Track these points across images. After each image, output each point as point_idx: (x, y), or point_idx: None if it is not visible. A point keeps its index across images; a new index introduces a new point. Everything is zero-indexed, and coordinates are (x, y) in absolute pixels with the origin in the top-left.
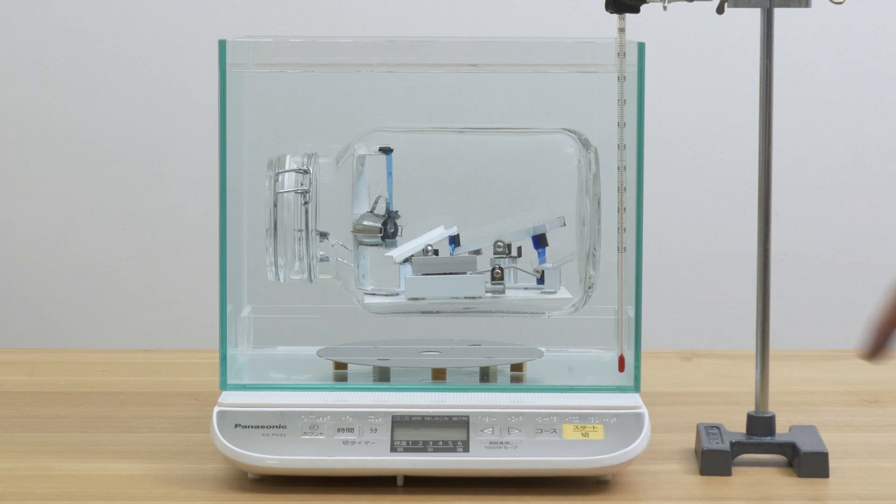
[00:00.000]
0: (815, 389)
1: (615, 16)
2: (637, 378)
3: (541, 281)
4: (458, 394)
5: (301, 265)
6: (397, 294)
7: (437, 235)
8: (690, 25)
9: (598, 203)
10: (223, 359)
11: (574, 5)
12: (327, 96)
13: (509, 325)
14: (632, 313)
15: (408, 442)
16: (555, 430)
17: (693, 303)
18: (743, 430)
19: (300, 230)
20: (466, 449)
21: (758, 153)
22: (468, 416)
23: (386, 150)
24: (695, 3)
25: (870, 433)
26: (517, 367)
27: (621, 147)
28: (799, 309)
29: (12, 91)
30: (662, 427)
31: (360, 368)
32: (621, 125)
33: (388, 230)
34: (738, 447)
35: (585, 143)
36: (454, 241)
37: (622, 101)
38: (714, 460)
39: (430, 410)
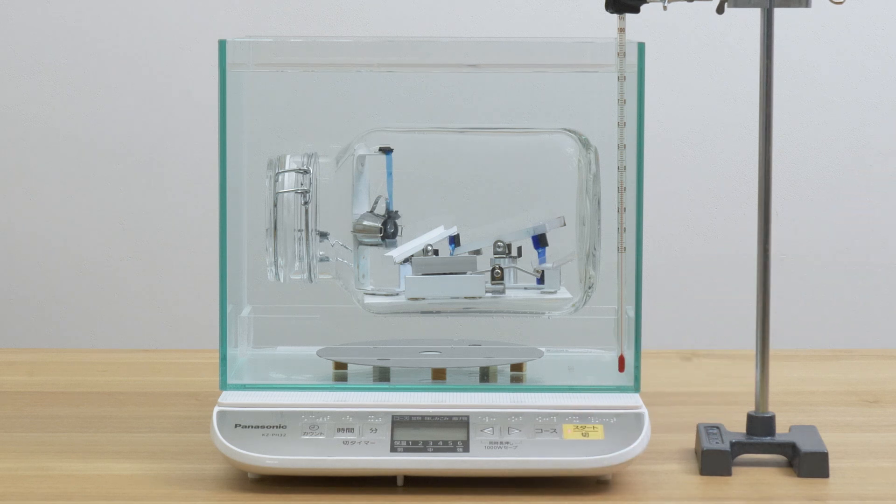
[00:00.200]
0: (815, 389)
1: (615, 16)
2: (637, 378)
3: (541, 281)
4: (458, 394)
5: (301, 265)
6: (397, 294)
7: (437, 235)
8: (690, 25)
9: (598, 203)
10: (223, 359)
11: (574, 5)
12: (327, 96)
13: (509, 325)
14: (632, 313)
15: (408, 442)
16: (555, 430)
17: (693, 303)
18: (743, 430)
19: (300, 230)
20: (466, 449)
21: (758, 153)
22: (468, 416)
23: (386, 150)
24: (695, 3)
25: (870, 433)
26: (517, 367)
27: (621, 147)
28: (799, 309)
29: (12, 91)
30: (662, 427)
31: (360, 368)
32: (621, 125)
33: (388, 230)
34: (738, 447)
35: (585, 143)
36: (454, 241)
37: (622, 101)
38: (714, 460)
39: (430, 410)
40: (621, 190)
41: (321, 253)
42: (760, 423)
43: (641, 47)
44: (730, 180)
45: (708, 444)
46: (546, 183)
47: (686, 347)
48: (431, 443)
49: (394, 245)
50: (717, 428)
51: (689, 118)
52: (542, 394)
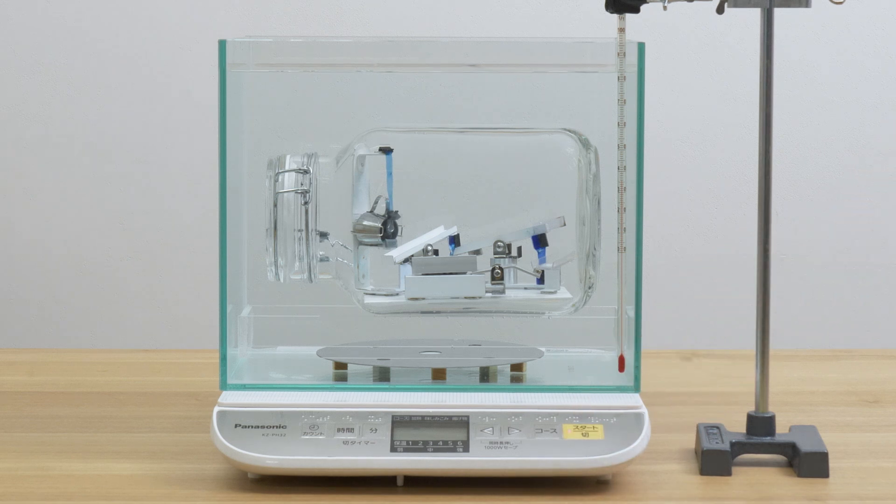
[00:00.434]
0: (815, 389)
1: (615, 16)
2: (637, 378)
3: (541, 281)
4: (458, 394)
5: (301, 265)
6: (397, 294)
7: (437, 235)
8: (690, 25)
9: (598, 203)
10: (223, 359)
11: (574, 5)
12: (327, 96)
13: (509, 325)
14: (632, 313)
15: (408, 442)
16: (555, 430)
17: (693, 303)
18: (743, 430)
19: (300, 230)
20: (466, 449)
21: (758, 153)
22: (468, 416)
23: (386, 150)
24: (695, 3)
25: (870, 433)
26: (517, 367)
27: (621, 147)
28: (799, 309)
29: (12, 91)
30: (662, 427)
31: (360, 368)
32: (621, 125)
33: (388, 230)
34: (738, 447)
35: (585, 143)
36: (454, 241)
37: (622, 101)
38: (714, 460)
39: (430, 410)
40: (621, 190)
41: (321, 253)
42: (760, 423)
43: (641, 47)
44: (730, 180)
45: (708, 444)
46: (546, 183)
47: (686, 347)
48: (431, 443)
49: (394, 245)
50: (717, 428)
51: (689, 118)
52: (542, 394)
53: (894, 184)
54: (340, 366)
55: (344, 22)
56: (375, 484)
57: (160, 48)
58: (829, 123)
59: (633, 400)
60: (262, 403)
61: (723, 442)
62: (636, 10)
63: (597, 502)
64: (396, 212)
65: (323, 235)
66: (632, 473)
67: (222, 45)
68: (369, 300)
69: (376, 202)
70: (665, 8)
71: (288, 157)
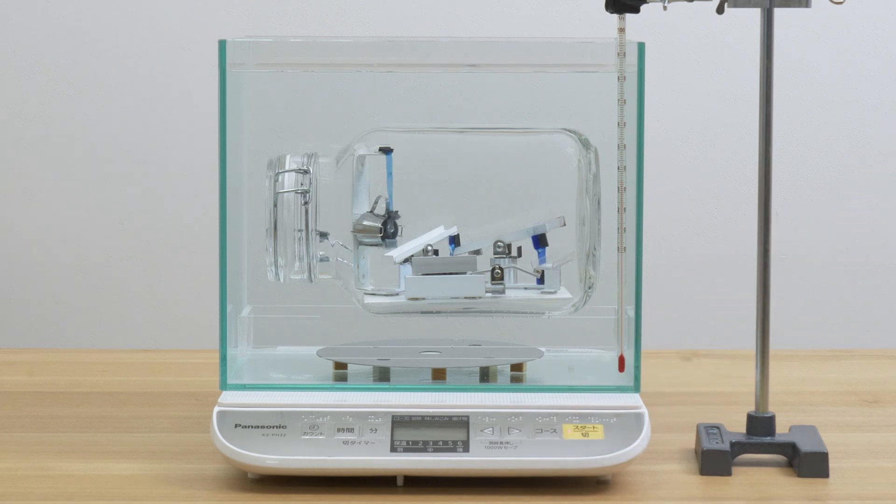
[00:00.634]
0: (815, 389)
1: (615, 16)
2: (637, 378)
3: (541, 281)
4: (458, 394)
5: (301, 265)
6: (397, 294)
7: (437, 235)
8: (690, 25)
9: (598, 203)
10: (223, 359)
11: (574, 5)
12: (327, 96)
13: (509, 325)
14: (632, 313)
15: (408, 442)
16: (555, 430)
17: (693, 303)
18: (743, 430)
19: (300, 230)
20: (466, 449)
21: (758, 153)
22: (468, 416)
23: (386, 150)
24: (695, 3)
25: (870, 433)
26: (517, 367)
27: (621, 147)
28: (799, 309)
29: (12, 91)
30: (662, 427)
31: (360, 368)
32: (621, 125)
33: (388, 230)
34: (738, 447)
35: (585, 143)
36: (454, 241)
37: (622, 101)
38: (714, 460)
39: (430, 410)
40: (621, 190)
41: (321, 253)
42: (760, 423)
43: (641, 47)
44: (730, 180)
45: (708, 444)
46: (546, 183)
47: (686, 347)
48: (431, 443)
49: (394, 245)
50: (717, 428)
51: (689, 118)
52: (542, 394)
53: (894, 184)
54: (340, 366)
55: (344, 22)
56: (375, 484)
57: (160, 48)
58: (829, 123)
59: (633, 400)
60: (262, 403)
61: (723, 442)
62: (636, 10)
63: (597, 502)
64: (396, 212)
65: (323, 235)
66: (632, 473)
67: (222, 45)
68: (369, 300)
69: (376, 202)
70: (665, 8)
71: (288, 157)
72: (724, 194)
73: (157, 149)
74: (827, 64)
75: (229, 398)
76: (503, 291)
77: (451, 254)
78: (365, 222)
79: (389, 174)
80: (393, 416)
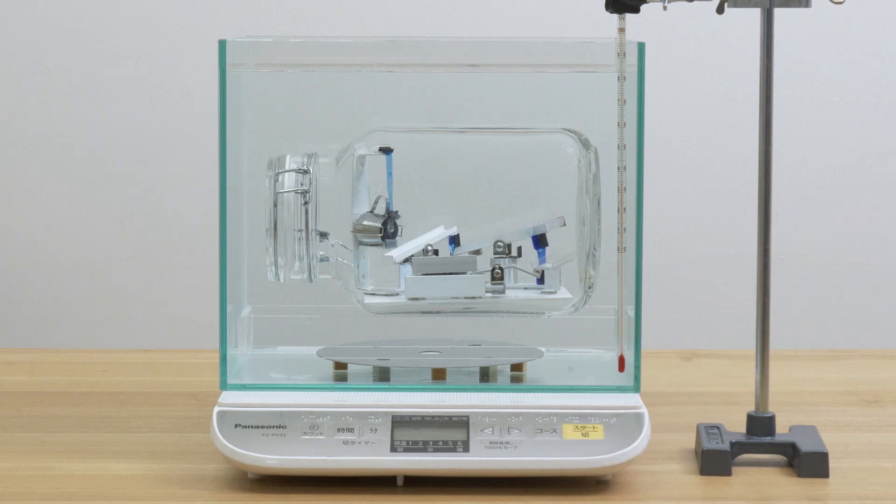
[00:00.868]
0: (815, 389)
1: (615, 16)
2: (637, 378)
3: (541, 281)
4: (458, 394)
5: (301, 265)
6: (397, 294)
7: (437, 235)
8: (690, 25)
9: (598, 203)
10: (223, 359)
11: (574, 5)
12: (327, 96)
13: (509, 325)
14: (632, 313)
15: (408, 442)
16: (555, 430)
17: (693, 303)
18: (743, 430)
19: (300, 230)
20: (466, 449)
21: (758, 153)
22: (468, 416)
23: (386, 150)
24: (695, 3)
25: (870, 433)
26: (517, 367)
27: (621, 147)
28: (799, 309)
29: (12, 91)
30: (662, 427)
31: (360, 368)
32: (621, 125)
33: (388, 230)
34: (738, 447)
35: (585, 143)
36: (454, 241)
37: (622, 101)
38: (714, 460)
39: (430, 410)
40: (621, 190)
41: (321, 253)
42: (760, 423)
43: (641, 47)
44: (730, 180)
45: (708, 444)
46: (546, 183)
47: (686, 347)
48: (431, 443)
49: (394, 245)
50: (717, 428)
51: (689, 118)
52: (542, 394)
53: (894, 184)
54: (340, 366)
55: (344, 22)
56: (375, 484)
57: (160, 48)
58: (829, 123)
59: (633, 400)
60: (262, 403)
61: (723, 442)
62: (636, 10)
63: (597, 502)
64: (396, 212)
65: (323, 235)
66: (632, 473)
67: (222, 45)
68: (369, 300)
69: (376, 202)
70: (665, 8)
71: (288, 157)
72: (724, 194)
73: (157, 149)
74: (827, 64)
75: (229, 398)
76: (503, 291)
77: (451, 254)
78: (365, 222)
79: (389, 174)
80: (393, 416)
